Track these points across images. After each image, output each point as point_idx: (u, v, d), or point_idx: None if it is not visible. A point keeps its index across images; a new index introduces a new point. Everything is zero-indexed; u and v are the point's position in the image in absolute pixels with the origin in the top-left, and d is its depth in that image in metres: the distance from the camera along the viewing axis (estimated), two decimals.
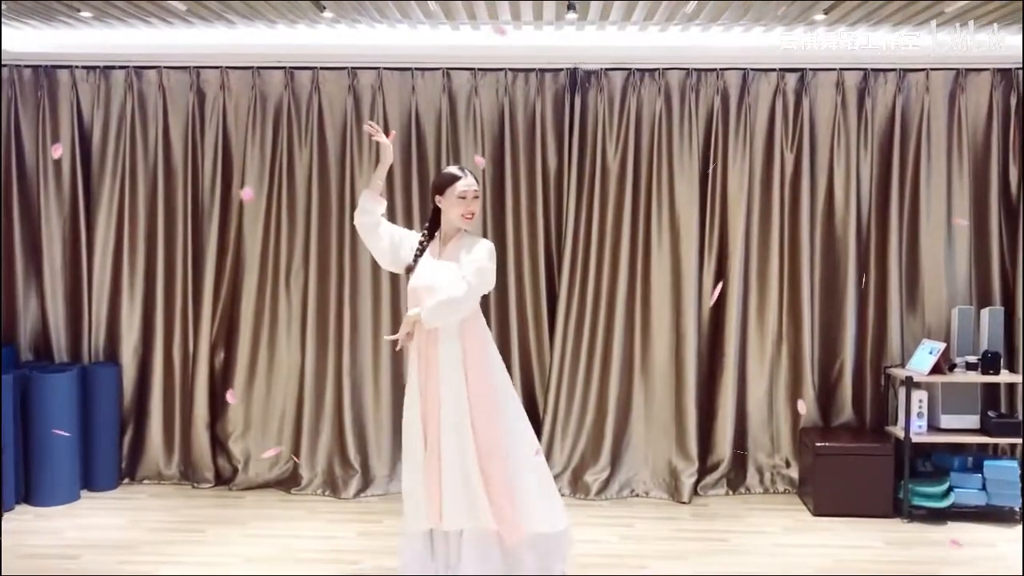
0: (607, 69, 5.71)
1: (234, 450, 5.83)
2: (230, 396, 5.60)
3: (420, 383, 3.95)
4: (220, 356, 5.86)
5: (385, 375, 5.79)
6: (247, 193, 5.40)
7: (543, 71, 5.73)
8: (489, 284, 3.98)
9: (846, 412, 5.79)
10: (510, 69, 5.72)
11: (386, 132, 4.30)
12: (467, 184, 3.98)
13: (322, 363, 5.76)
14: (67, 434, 5.15)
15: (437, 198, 4.03)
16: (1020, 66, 5.59)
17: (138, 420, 5.92)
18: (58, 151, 5.25)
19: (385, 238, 4.07)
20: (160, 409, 5.89)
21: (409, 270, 4.04)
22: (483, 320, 4.05)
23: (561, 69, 5.73)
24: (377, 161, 4.22)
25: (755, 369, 5.81)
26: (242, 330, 5.80)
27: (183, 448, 5.89)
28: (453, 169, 4.07)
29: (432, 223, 4.11)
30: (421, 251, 4.04)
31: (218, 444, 5.86)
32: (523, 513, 3.93)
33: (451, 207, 3.99)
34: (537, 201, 5.77)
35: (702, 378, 5.78)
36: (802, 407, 5.58)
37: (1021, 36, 5.30)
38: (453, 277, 3.88)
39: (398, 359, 5.73)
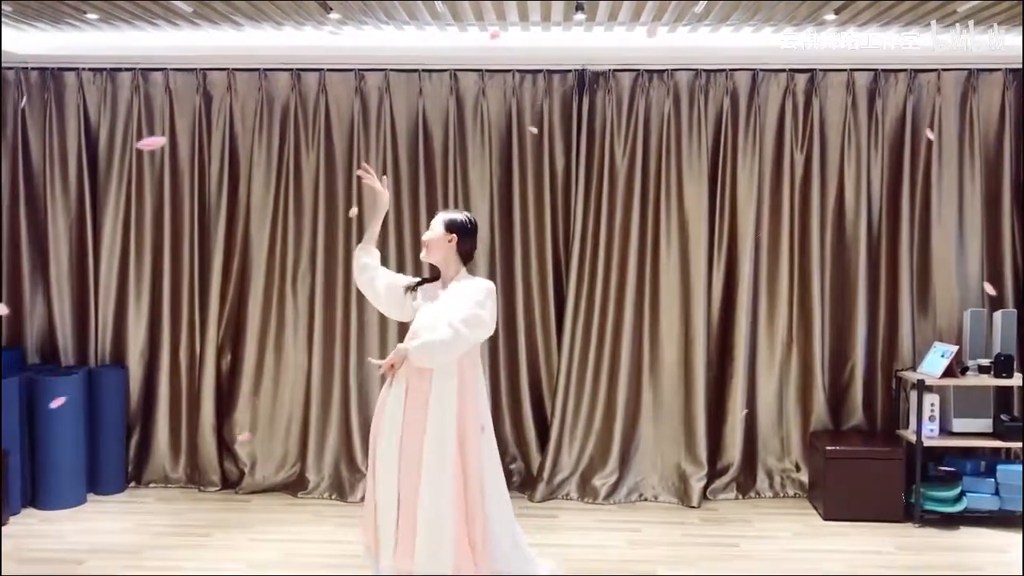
0: (615, 70, 5.69)
1: (240, 453, 5.82)
2: (244, 438, 5.58)
3: (402, 414, 3.76)
4: (227, 359, 5.84)
5: None
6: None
7: (551, 72, 5.71)
8: (484, 331, 3.82)
9: (857, 415, 5.74)
10: (518, 70, 5.70)
11: (382, 169, 4.30)
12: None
13: (329, 365, 5.74)
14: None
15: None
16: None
17: (144, 423, 5.90)
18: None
19: (380, 285, 3.99)
20: (167, 412, 5.87)
21: (409, 289, 3.98)
22: (477, 356, 3.94)
23: (569, 70, 5.71)
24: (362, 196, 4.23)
25: (765, 372, 5.77)
26: (249, 332, 5.78)
27: (189, 451, 5.87)
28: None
29: (433, 273, 4.09)
30: (424, 281, 4.02)
31: (224, 447, 5.84)
32: (492, 558, 3.81)
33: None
34: (545, 203, 5.75)
35: (711, 381, 5.75)
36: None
37: (1022, 37, 5.25)
38: (440, 319, 3.76)
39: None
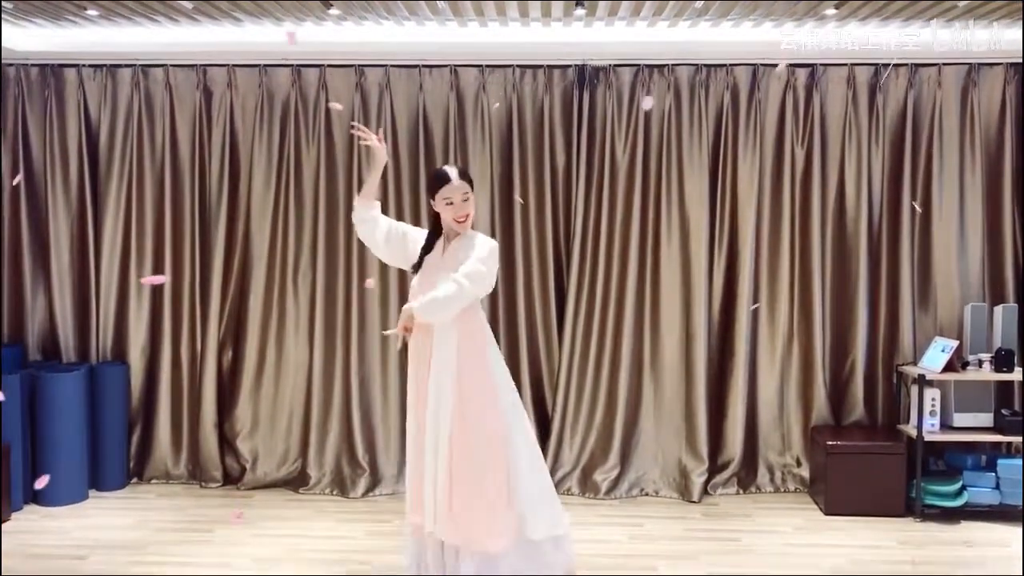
0: (616, 65, 5.67)
1: (242, 449, 5.82)
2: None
3: (416, 379, 3.91)
4: (228, 355, 5.84)
5: (394, 373, 5.76)
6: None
7: (551, 68, 5.69)
8: (484, 286, 3.87)
9: (858, 410, 5.73)
10: (518, 66, 5.68)
11: (380, 134, 4.19)
12: (452, 188, 3.86)
13: (330, 361, 5.74)
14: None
15: (431, 201, 3.96)
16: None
17: (146, 419, 5.91)
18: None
19: (380, 235, 4.00)
20: (168, 408, 5.87)
21: (415, 269, 4.01)
22: (482, 318, 3.97)
23: (569, 65, 5.69)
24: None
25: (766, 367, 5.77)
26: (250, 328, 5.78)
27: (191, 447, 5.88)
28: (441, 170, 3.95)
29: (434, 224, 4.05)
30: (427, 251, 4.00)
31: (226, 443, 5.84)
32: (519, 519, 3.86)
33: (442, 211, 3.93)
34: (545, 198, 5.74)
35: (712, 376, 5.74)
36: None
37: (1022, 33, 5.23)
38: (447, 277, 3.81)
39: (407, 357, 5.65)
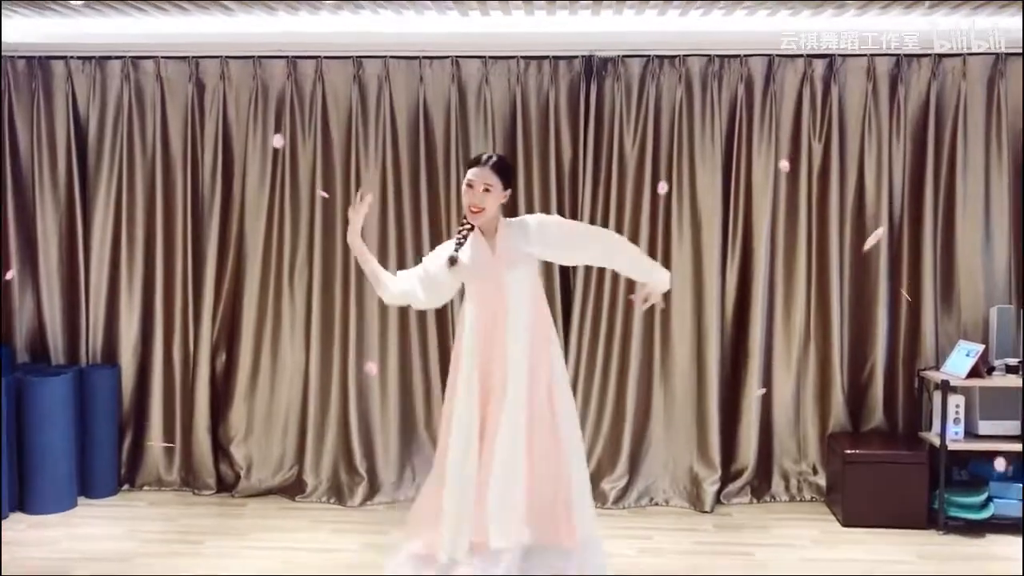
0: (624, 56, 5.48)
1: (236, 455, 5.66)
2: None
3: (480, 375, 3.61)
4: (222, 358, 5.68)
5: (392, 377, 5.59)
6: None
7: (557, 58, 5.50)
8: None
9: (877, 417, 5.52)
10: (522, 57, 5.49)
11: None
12: (473, 172, 3.64)
13: (327, 365, 5.59)
14: None
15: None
16: None
17: (138, 424, 5.75)
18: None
19: (421, 296, 3.78)
20: (160, 413, 5.72)
21: (453, 261, 3.68)
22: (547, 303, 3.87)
23: (576, 56, 5.50)
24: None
25: (781, 371, 5.56)
26: (244, 330, 5.63)
27: (184, 453, 5.71)
28: (478, 154, 3.82)
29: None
30: (462, 241, 3.72)
31: (220, 449, 5.68)
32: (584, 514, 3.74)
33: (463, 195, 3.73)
34: (551, 194, 5.54)
35: (725, 380, 5.55)
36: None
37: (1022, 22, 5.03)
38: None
39: (406, 360, 5.56)
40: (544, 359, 3.68)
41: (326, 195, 5.31)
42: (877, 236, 4.89)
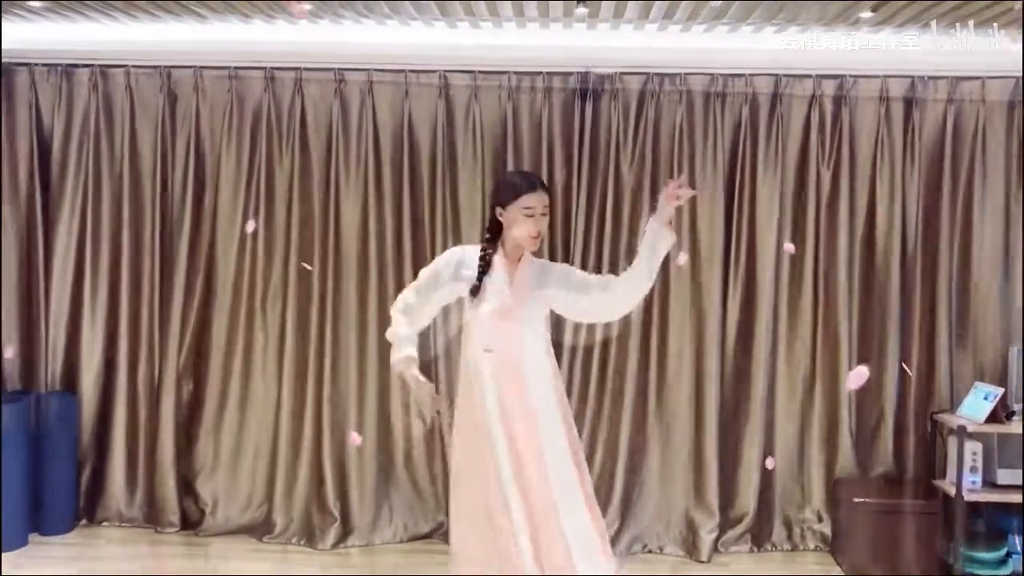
0: (622, 73, 5.21)
1: (202, 492, 5.35)
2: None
3: (502, 407, 3.37)
4: (189, 387, 5.39)
5: (371, 411, 5.28)
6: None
7: (550, 74, 5.23)
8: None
9: (887, 462, 5.22)
10: (514, 72, 5.23)
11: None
12: (537, 197, 3.43)
13: (300, 397, 5.28)
14: None
15: (498, 210, 3.48)
16: None
17: (99, 456, 5.42)
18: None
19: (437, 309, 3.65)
20: (123, 444, 5.39)
21: (476, 291, 3.45)
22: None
23: (571, 72, 5.23)
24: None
25: (784, 411, 5.26)
26: (213, 358, 5.35)
27: (147, 488, 5.39)
28: (517, 177, 3.61)
29: (493, 235, 3.53)
30: (485, 267, 3.48)
31: (185, 484, 5.37)
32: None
33: (514, 224, 3.43)
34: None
35: (725, 421, 5.24)
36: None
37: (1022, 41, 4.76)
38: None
39: (384, 394, 5.27)
40: (562, 396, 3.55)
41: (309, 268, 5.15)
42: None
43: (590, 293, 3.50)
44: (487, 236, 3.55)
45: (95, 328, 5.39)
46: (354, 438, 4.89)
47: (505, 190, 3.47)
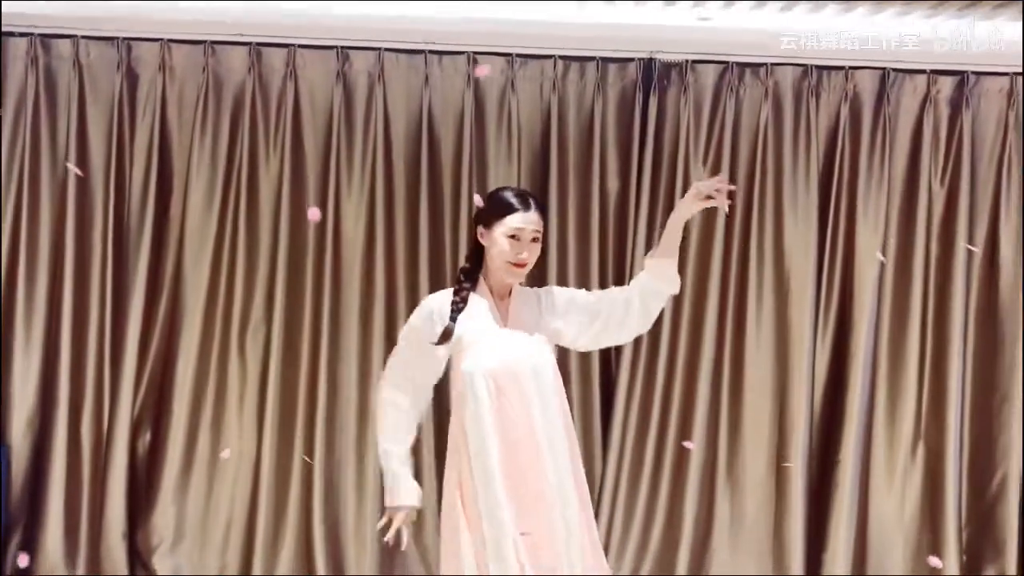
0: (695, 61, 4.82)
1: (160, 569, 4.69)
2: None
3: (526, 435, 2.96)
4: (145, 439, 4.82)
5: (372, 471, 4.68)
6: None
7: (606, 60, 4.83)
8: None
9: (1010, 548, 4.69)
10: (560, 57, 4.80)
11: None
12: (525, 218, 2.98)
13: (286, 451, 4.77)
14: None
15: (480, 230, 3.06)
16: None
17: (31, 521, 4.76)
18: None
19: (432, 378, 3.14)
20: (61, 508, 4.72)
21: (448, 336, 2.98)
22: None
23: (631, 59, 4.82)
24: None
25: (881, 481, 4.80)
26: (177, 402, 4.77)
27: (91, 563, 4.72)
28: (507, 193, 3.11)
29: (473, 265, 3.11)
30: (460, 306, 3.04)
31: (139, 561, 4.74)
32: None
33: (494, 247, 3.00)
34: (592, 237, 4.89)
35: (811, 489, 4.78)
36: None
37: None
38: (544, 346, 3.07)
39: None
40: (580, 463, 3.09)
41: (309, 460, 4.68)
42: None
43: (599, 312, 3.16)
44: (464, 266, 3.14)
45: (28, 367, 4.81)
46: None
47: (490, 207, 3.10)
